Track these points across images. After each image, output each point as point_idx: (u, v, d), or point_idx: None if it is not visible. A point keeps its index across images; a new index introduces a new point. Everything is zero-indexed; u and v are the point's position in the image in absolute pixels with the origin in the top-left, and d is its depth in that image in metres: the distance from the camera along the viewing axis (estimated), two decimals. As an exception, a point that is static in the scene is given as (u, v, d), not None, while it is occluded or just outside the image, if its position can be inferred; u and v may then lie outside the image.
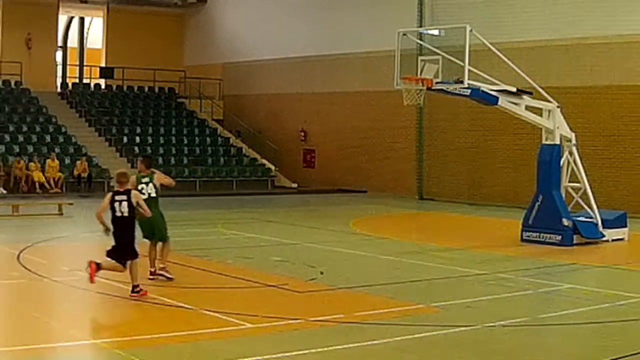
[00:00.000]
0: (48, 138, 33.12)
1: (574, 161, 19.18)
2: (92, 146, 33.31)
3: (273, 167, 35.56)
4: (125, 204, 11.66)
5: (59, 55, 40.36)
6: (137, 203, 11.78)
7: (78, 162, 30.75)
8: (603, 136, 25.66)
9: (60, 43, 40.69)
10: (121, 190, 11.80)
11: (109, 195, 11.77)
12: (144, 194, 12.62)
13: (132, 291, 11.67)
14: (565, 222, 18.25)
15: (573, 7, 26.26)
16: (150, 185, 13.08)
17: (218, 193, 31.90)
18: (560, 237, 18.20)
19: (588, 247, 18.28)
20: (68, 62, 41.75)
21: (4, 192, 28.54)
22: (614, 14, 25.29)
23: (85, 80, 40.48)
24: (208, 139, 37.10)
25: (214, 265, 14.75)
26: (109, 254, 11.73)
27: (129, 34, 39.41)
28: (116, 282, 12.77)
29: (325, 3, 34.92)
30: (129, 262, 11.71)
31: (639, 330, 10.64)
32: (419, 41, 21.85)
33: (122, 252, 11.69)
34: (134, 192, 11.92)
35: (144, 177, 13.10)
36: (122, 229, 11.67)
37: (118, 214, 11.68)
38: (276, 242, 18.21)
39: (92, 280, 11.45)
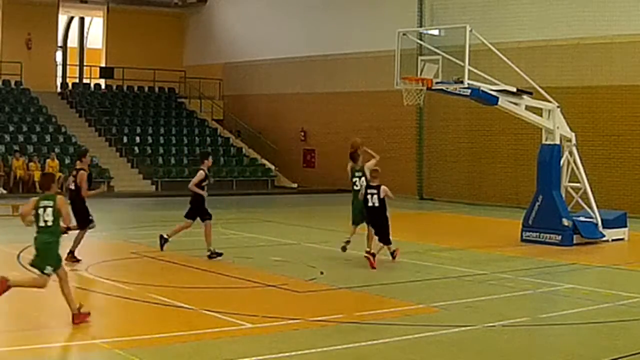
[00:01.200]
0: (48, 138, 33.12)
1: (574, 161, 19.17)
2: (92, 146, 33.22)
3: (273, 167, 35.55)
4: (375, 197, 14.42)
5: (59, 55, 40.37)
6: (386, 195, 14.47)
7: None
8: (603, 136, 25.64)
9: (60, 43, 40.69)
10: (373, 184, 14.56)
11: (363, 187, 14.72)
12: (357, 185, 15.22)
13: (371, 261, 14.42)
14: (565, 222, 18.24)
15: (573, 7, 26.24)
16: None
17: (218, 193, 31.84)
18: (560, 237, 18.19)
19: (588, 247, 18.27)
20: (68, 62, 41.76)
21: (4, 192, 28.54)
22: (614, 14, 25.27)
23: (85, 80, 40.52)
24: (208, 139, 37.11)
25: (214, 265, 14.73)
26: (380, 239, 14.74)
27: (129, 34, 39.40)
28: (116, 282, 12.79)
29: (325, 3, 34.90)
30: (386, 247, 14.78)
31: (639, 330, 10.64)
32: (419, 41, 21.84)
33: (382, 235, 14.62)
34: (383, 187, 14.47)
35: (357, 170, 15.47)
36: (374, 216, 14.50)
37: (370, 204, 14.50)
38: (276, 242, 18.20)
39: (374, 267, 14.33)
